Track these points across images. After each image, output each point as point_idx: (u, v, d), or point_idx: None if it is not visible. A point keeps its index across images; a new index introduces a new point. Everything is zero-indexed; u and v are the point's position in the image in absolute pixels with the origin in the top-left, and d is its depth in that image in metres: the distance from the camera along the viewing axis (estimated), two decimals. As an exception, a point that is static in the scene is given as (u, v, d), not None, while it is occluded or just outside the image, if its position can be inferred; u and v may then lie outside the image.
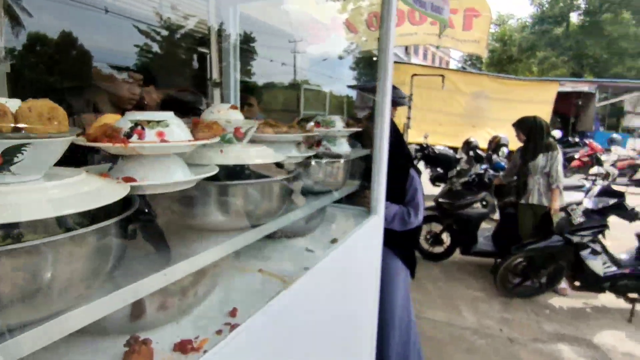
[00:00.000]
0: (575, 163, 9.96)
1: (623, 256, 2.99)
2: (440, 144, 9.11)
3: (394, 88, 3.00)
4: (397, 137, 1.99)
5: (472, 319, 2.93)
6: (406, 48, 21.00)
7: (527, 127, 3.45)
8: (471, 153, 5.94)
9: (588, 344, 2.65)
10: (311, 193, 1.25)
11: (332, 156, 1.28)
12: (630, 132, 14.38)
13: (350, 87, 3.08)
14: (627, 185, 8.47)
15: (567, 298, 3.31)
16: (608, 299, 3.21)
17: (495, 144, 5.67)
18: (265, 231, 0.92)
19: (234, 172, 0.92)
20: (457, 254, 3.98)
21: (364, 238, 1.55)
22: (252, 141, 1.02)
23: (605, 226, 2.89)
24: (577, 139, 11.56)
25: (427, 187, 5.75)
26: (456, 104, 13.47)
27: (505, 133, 13.13)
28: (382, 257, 1.99)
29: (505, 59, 22.13)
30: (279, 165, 1.06)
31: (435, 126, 12.20)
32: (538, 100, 12.46)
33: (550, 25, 21.12)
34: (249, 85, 2.56)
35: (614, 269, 2.94)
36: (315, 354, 1.15)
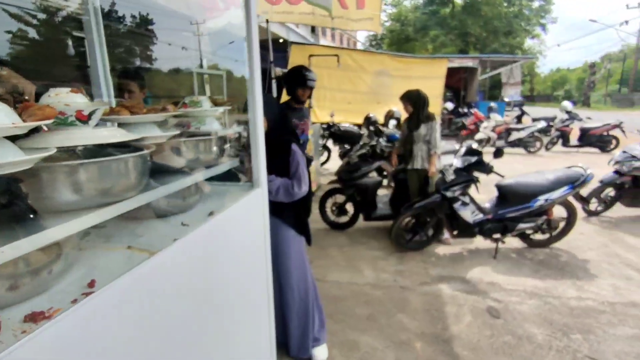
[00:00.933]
0: (464, 131, 11.25)
1: (487, 205, 3.57)
2: (348, 121, 9.52)
3: (306, 70, 3.14)
4: (280, 115, 2.12)
5: (372, 276, 3.28)
6: (313, 29, 21.24)
7: (413, 99, 3.84)
8: (371, 128, 6.38)
9: (462, 280, 3.16)
10: (181, 171, 1.31)
11: (197, 135, 1.35)
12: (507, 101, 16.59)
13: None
14: (503, 146, 9.86)
15: (449, 246, 3.86)
16: (480, 242, 3.82)
17: (389, 118, 6.17)
18: (121, 209, 0.98)
19: (97, 154, 0.95)
20: (361, 221, 4.35)
21: (247, 209, 1.66)
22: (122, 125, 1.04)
23: (471, 180, 3.41)
24: (465, 110, 13.02)
25: (338, 162, 6.09)
26: (362, 82, 14.13)
27: (400, 107, 14.18)
28: (274, 227, 2.14)
29: (403, 38, 23.76)
30: (138, 145, 1.10)
31: (344, 104, 12.71)
32: (432, 76, 13.64)
33: (437, 6, 23.23)
34: (129, 71, 2.47)
35: (480, 216, 3.50)
36: (197, 319, 1.24)
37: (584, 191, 3.72)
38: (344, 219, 4.38)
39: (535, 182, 3.44)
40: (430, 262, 3.50)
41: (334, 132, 7.22)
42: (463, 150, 3.56)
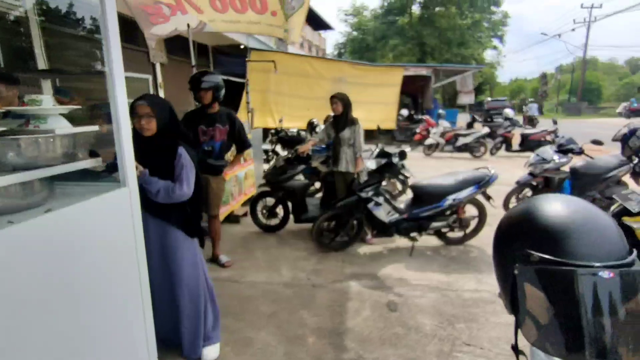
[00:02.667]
0: (416, 137, 11.63)
1: (402, 205, 3.74)
2: (303, 127, 9.62)
3: (203, 74, 3.20)
4: (170, 119, 2.16)
5: (288, 275, 3.35)
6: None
7: (345, 101, 3.96)
8: (314, 132, 6.53)
9: (373, 276, 3.29)
10: (15, 169, 1.33)
11: (31, 133, 1.38)
12: (462, 107, 17.34)
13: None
14: (451, 151, 10.29)
15: (372, 246, 3.99)
16: (401, 241, 3.98)
17: (311, 125, 6.44)
18: None
19: None
20: (294, 224, 4.42)
21: (109, 208, 1.69)
22: None
23: (380, 182, 3.57)
24: (420, 116, 13.49)
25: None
26: (320, 89, 14.35)
27: (362, 114, 14.31)
28: (162, 228, 2.18)
29: (364, 47, 24.38)
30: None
31: (303, 110, 12.87)
32: (388, 83, 14.07)
33: (395, 16, 24.05)
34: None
35: (396, 215, 3.66)
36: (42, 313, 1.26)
37: (493, 192, 3.96)
38: (275, 221, 4.44)
39: (445, 183, 3.65)
40: (348, 261, 3.62)
41: (281, 137, 7.30)
42: (375, 153, 3.71)
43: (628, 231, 2.53)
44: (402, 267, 3.48)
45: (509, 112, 10.47)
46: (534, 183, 4.78)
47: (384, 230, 3.69)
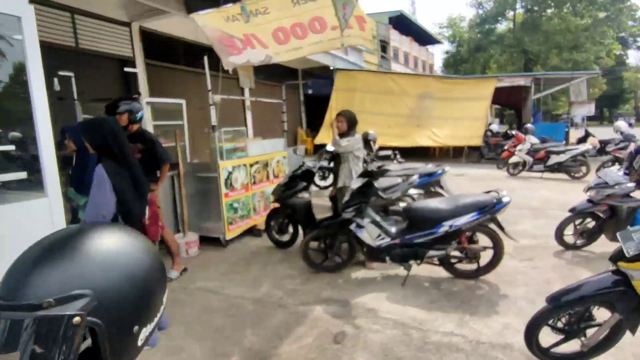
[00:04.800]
0: (504, 154, 10.36)
1: (393, 229, 3.40)
2: (388, 145, 9.48)
3: (121, 100, 3.53)
4: (101, 140, 2.35)
5: (264, 292, 3.35)
6: (383, 53, 21.46)
7: (351, 120, 3.87)
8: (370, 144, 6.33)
9: (344, 303, 3.06)
10: None
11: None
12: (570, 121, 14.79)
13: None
14: (542, 171, 8.88)
15: (371, 271, 3.71)
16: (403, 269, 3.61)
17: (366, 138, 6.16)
18: None
19: None
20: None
21: (27, 213, 2.00)
22: None
23: (362, 202, 3.31)
24: (512, 132, 11.99)
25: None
26: (403, 105, 14.08)
27: (448, 130, 13.55)
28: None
29: (459, 59, 22.78)
30: None
31: (384, 128, 12.81)
32: (477, 97, 13.03)
33: (490, 24, 21.85)
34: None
35: (387, 240, 3.35)
36: None
37: (550, 223, 3.32)
38: (286, 237, 4.48)
39: (441, 207, 3.21)
40: (333, 285, 3.43)
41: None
42: (360, 172, 3.48)
43: (623, 279, 1.91)
44: (384, 297, 3.15)
45: (621, 125, 8.55)
46: (595, 211, 3.84)
47: (372, 254, 3.41)
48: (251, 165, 4.96)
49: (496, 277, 3.39)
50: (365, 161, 4.77)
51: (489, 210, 3.09)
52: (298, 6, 4.80)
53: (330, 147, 4.36)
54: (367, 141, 6.28)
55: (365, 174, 3.34)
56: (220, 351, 2.47)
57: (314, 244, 3.71)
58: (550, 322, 2.15)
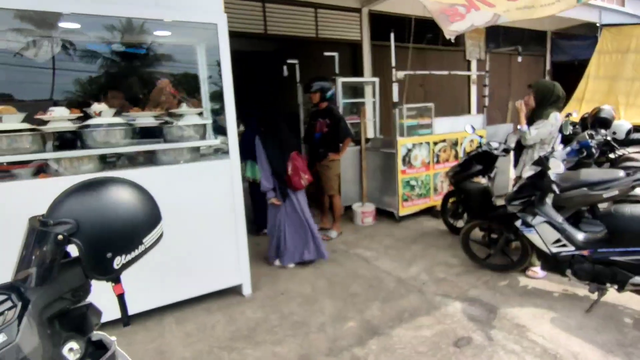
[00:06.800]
0: None
1: (580, 236, 2.56)
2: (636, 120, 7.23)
3: (315, 80, 3.90)
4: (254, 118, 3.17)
5: (412, 273, 3.28)
6: None
7: (540, 92, 3.19)
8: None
9: (490, 308, 2.64)
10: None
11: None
12: None
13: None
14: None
15: (552, 283, 2.97)
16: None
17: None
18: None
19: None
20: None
21: (213, 169, 2.75)
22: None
23: (532, 196, 2.58)
24: None
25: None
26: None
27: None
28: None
29: None
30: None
31: (626, 97, 9.42)
32: None
33: None
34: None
35: (570, 248, 2.59)
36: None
37: None
38: (460, 223, 4.12)
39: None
40: (490, 285, 2.98)
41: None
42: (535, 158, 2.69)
43: None
44: (548, 317, 2.51)
45: None
46: None
47: (548, 263, 2.72)
48: (435, 144, 4.73)
49: None
50: (601, 148, 3.63)
51: None
52: None
53: (514, 136, 3.61)
54: (602, 121, 4.76)
55: (538, 161, 2.63)
56: (344, 314, 2.68)
57: (477, 235, 3.29)
58: None
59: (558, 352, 2.16)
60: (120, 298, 0.91)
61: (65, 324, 0.83)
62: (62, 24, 2.73)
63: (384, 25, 7.42)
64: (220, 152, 2.96)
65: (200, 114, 2.83)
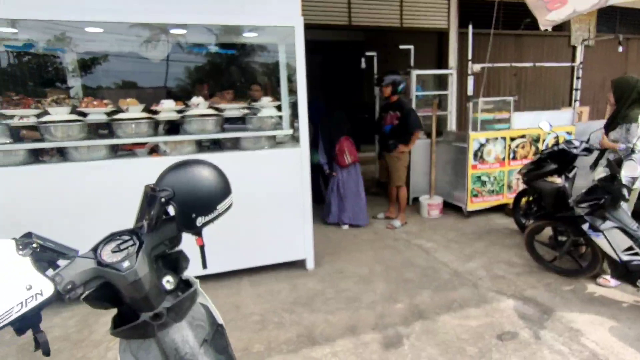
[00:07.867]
0: None
1: (657, 244, 2.37)
2: None
3: (385, 74, 3.98)
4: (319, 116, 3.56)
5: (470, 268, 3.32)
6: None
7: (619, 89, 2.98)
8: None
9: (545, 310, 2.61)
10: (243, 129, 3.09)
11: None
12: None
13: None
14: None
15: (625, 294, 2.80)
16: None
17: None
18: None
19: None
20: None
21: (285, 155, 3.12)
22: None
23: (600, 199, 2.41)
24: None
25: None
26: None
27: None
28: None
29: None
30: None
31: None
32: None
33: None
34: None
35: (643, 258, 2.43)
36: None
37: None
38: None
39: None
40: (551, 288, 2.90)
41: None
42: (611, 159, 2.49)
43: None
44: (608, 326, 2.40)
45: None
46: None
47: (617, 271, 2.57)
48: (512, 139, 4.54)
49: None
50: None
51: None
52: None
53: (596, 138, 3.31)
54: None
55: (608, 164, 2.47)
56: (394, 296, 2.89)
57: (544, 237, 3.19)
58: None
59: (608, 359, 2.11)
60: (202, 249, 1.22)
61: (165, 264, 1.08)
62: (173, 31, 3.33)
63: (474, 11, 7.09)
64: (293, 140, 3.33)
65: (279, 107, 3.22)
